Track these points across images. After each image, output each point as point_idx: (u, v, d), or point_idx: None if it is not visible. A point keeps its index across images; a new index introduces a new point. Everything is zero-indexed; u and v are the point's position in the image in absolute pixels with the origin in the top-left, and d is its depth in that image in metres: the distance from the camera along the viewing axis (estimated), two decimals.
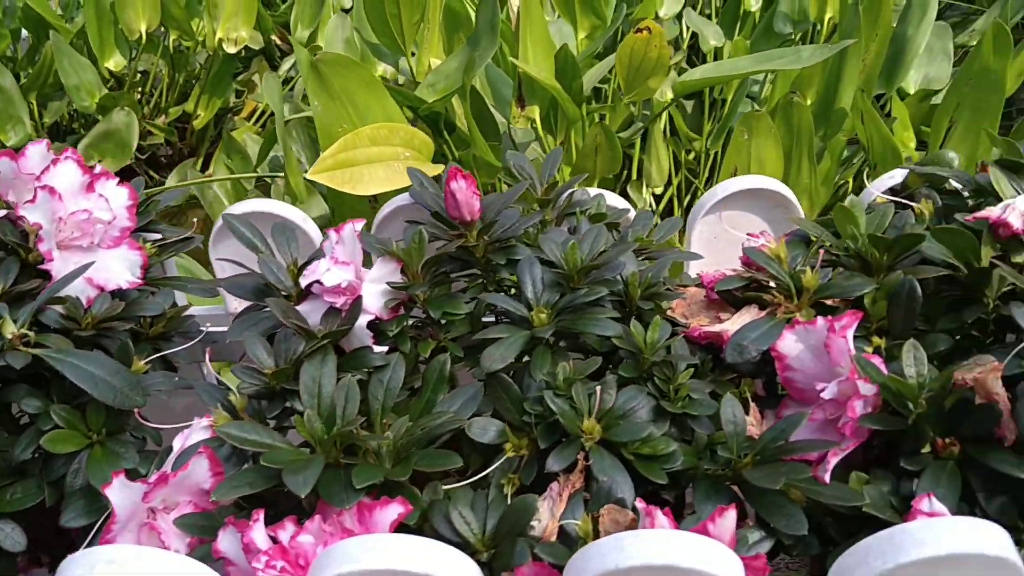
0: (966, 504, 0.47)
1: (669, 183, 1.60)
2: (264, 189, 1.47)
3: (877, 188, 0.65)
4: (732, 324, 0.53)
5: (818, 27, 1.53)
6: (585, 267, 0.54)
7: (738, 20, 1.76)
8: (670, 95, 1.27)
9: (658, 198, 1.68)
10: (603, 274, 0.54)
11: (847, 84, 1.17)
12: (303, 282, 0.54)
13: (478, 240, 0.57)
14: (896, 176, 0.65)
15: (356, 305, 0.53)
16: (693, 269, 0.70)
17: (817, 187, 1.18)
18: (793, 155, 1.16)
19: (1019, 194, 0.54)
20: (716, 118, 1.61)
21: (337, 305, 0.54)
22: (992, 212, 0.52)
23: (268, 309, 0.55)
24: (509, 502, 0.47)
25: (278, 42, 2.50)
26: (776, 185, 0.66)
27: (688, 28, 1.74)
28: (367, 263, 0.57)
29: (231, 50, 1.94)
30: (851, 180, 1.40)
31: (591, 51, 1.36)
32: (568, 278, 0.54)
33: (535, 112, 1.25)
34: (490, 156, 1.21)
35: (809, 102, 1.25)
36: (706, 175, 1.57)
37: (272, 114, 2.05)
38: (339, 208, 1.21)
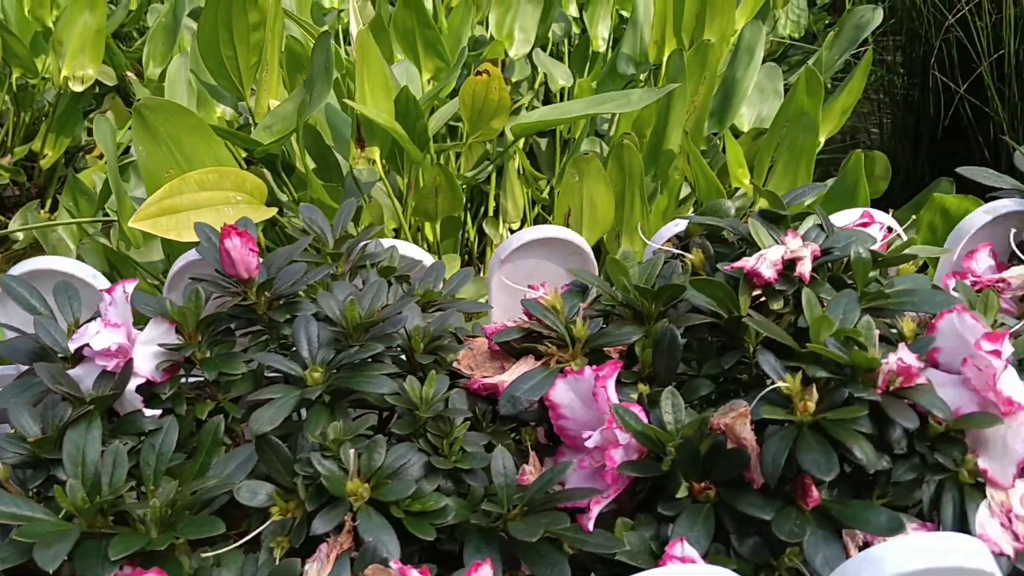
0: (722, 545, 0.49)
1: (525, 218, 1.63)
2: (108, 232, 1.43)
3: (661, 237, 0.67)
4: (509, 375, 0.54)
5: (659, 68, 1.58)
6: (364, 323, 0.54)
7: (587, 60, 1.81)
8: (515, 126, 1.29)
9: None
10: (384, 329, 0.55)
11: (674, 127, 1.21)
12: (72, 346, 0.53)
13: (259, 297, 0.57)
14: (680, 224, 0.67)
15: (127, 368, 0.52)
16: (504, 315, 0.71)
17: (649, 226, 1.21)
18: (626, 195, 1.20)
19: (777, 244, 0.57)
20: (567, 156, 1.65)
21: (109, 368, 0.53)
22: (747, 263, 0.55)
23: None
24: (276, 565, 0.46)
25: (133, 77, 2.44)
26: (568, 235, 0.68)
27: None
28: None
29: (78, 88, 1.89)
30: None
31: (435, 92, 1.37)
32: (347, 335, 0.54)
33: (375, 153, 1.25)
34: (326, 198, 1.20)
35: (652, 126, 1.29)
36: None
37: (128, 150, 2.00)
38: (175, 254, 1.18)
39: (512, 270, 0.68)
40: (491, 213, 1.67)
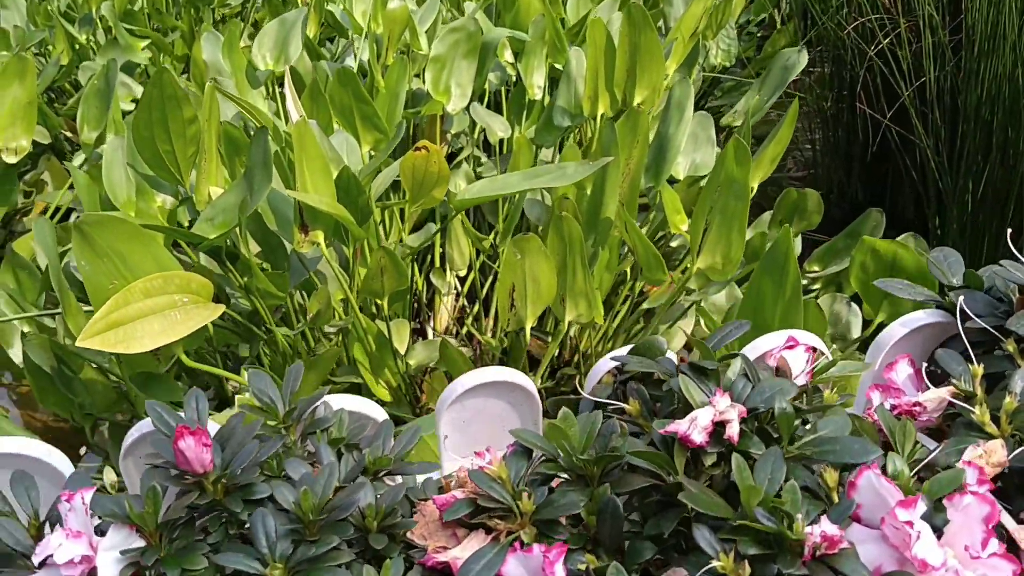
0: None
1: (471, 266, 1.65)
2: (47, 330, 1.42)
3: (598, 372, 0.70)
4: (461, 550, 0.57)
5: (594, 121, 1.61)
6: (319, 508, 0.57)
7: (524, 108, 1.83)
8: (455, 201, 1.31)
9: (463, 279, 1.73)
10: (339, 515, 0.57)
11: (610, 195, 1.25)
12: (35, 559, 0.55)
13: (215, 487, 0.59)
14: (613, 362, 0.70)
15: None
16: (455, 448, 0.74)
17: (592, 291, 1.24)
18: (567, 262, 1.23)
19: (707, 396, 0.61)
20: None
21: None
22: (680, 427, 0.58)
23: None
24: None
25: (68, 134, 2.42)
26: (510, 376, 0.71)
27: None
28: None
29: (11, 160, 1.87)
30: (628, 270, 1.48)
31: (375, 167, 1.38)
32: (304, 524, 0.56)
33: (319, 236, 1.26)
34: (271, 287, 1.22)
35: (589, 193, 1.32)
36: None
37: (70, 211, 1.98)
38: (126, 358, 1.19)
39: (460, 409, 0.71)
40: (437, 263, 1.70)
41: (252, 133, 1.42)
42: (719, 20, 2.13)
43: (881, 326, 1.15)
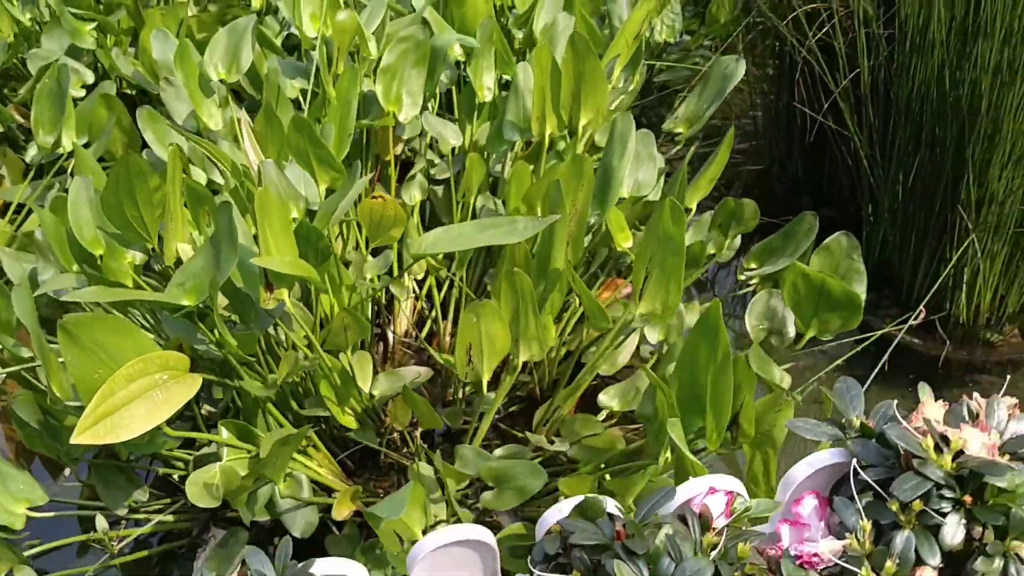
0: None
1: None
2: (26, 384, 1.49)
3: (546, 522, 0.80)
4: None
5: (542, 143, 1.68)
6: None
7: (475, 109, 1.88)
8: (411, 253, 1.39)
9: (420, 281, 1.82)
10: None
11: (558, 249, 1.33)
12: None
13: None
14: (562, 511, 0.81)
15: None
16: None
17: (542, 334, 1.35)
18: (520, 311, 1.32)
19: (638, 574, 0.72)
20: None
21: None
22: None
23: None
24: None
25: (21, 121, 2.42)
26: (479, 534, 0.81)
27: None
28: None
29: None
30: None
31: (333, 208, 1.45)
32: None
33: (283, 293, 1.34)
34: (239, 351, 1.30)
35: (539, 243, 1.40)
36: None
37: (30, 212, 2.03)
38: None
39: (430, 560, 0.81)
40: (396, 272, 1.77)
41: (216, 183, 1.48)
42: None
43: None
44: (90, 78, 2.30)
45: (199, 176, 1.74)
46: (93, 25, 2.34)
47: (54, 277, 1.52)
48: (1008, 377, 1.38)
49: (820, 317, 1.49)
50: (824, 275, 1.45)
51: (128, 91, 2.43)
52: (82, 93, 2.29)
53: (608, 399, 1.50)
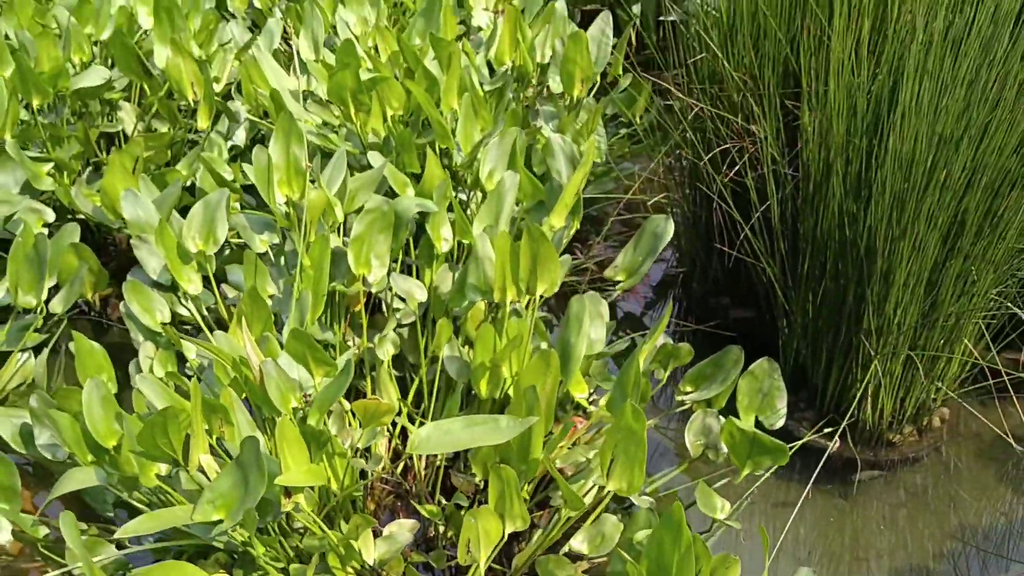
0: None
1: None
2: None
3: None
4: None
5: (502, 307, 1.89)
6: None
7: (433, 259, 2.08)
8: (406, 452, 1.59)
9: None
10: None
11: (536, 442, 1.56)
12: None
13: None
14: None
15: None
16: None
17: (524, 512, 1.57)
18: (505, 496, 1.54)
19: None
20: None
21: None
22: None
23: None
24: None
25: None
26: None
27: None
28: None
29: None
30: None
31: (333, 396, 1.63)
32: None
33: (300, 497, 1.53)
34: (272, 571, 1.49)
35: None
36: None
37: None
38: None
39: None
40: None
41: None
42: (590, 127, 2.39)
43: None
44: (51, 216, 2.40)
45: (188, 349, 1.90)
46: (50, 166, 2.43)
47: (76, 471, 1.66)
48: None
49: (753, 459, 1.76)
50: (754, 432, 1.72)
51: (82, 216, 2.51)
52: (44, 231, 2.39)
53: (579, 544, 1.73)
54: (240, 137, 2.70)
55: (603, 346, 1.87)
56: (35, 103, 2.48)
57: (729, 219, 2.23)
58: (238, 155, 2.71)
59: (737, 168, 2.18)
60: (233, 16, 3.19)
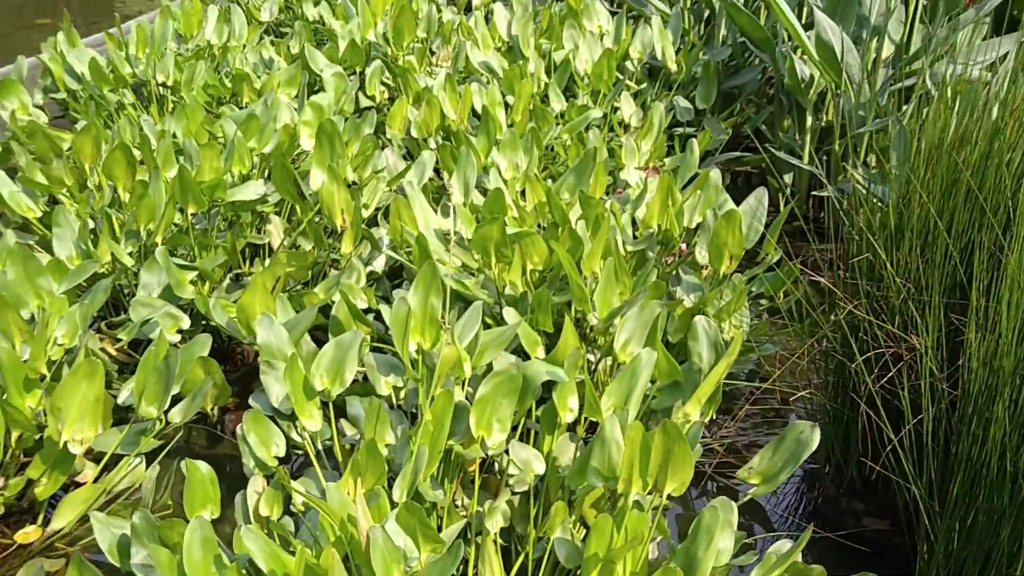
0: None
1: None
2: None
3: None
4: None
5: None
6: None
7: (555, 428, 1.99)
8: None
9: None
10: None
11: None
12: None
13: None
14: None
15: None
16: None
17: None
18: None
19: None
20: None
21: None
22: None
23: None
24: None
25: (114, 354, 2.54)
26: None
27: None
28: None
29: (77, 450, 2.01)
30: None
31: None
32: None
33: None
34: None
35: None
36: None
37: None
38: None
39: None
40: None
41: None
42: (734, 306, 2.30)
43: None
44: (186, 323, 2.44)
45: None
46: (195, 274, 2.48)
47: None
48: None
49: None
50: None
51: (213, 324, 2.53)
52: (176, 337, 2.43)
53: None
54: (379, 264, 2.72)
55: (729, 557, 1.74)
56: (190, 210, 2.56)
57: (874, 425, 2.09)
58: (376, 281, 2.73)
59: (890, 375, 2.04)
60: (390, 142, 3.27)
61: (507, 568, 1.89)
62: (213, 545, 1.63)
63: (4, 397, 1.99)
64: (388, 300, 2.59)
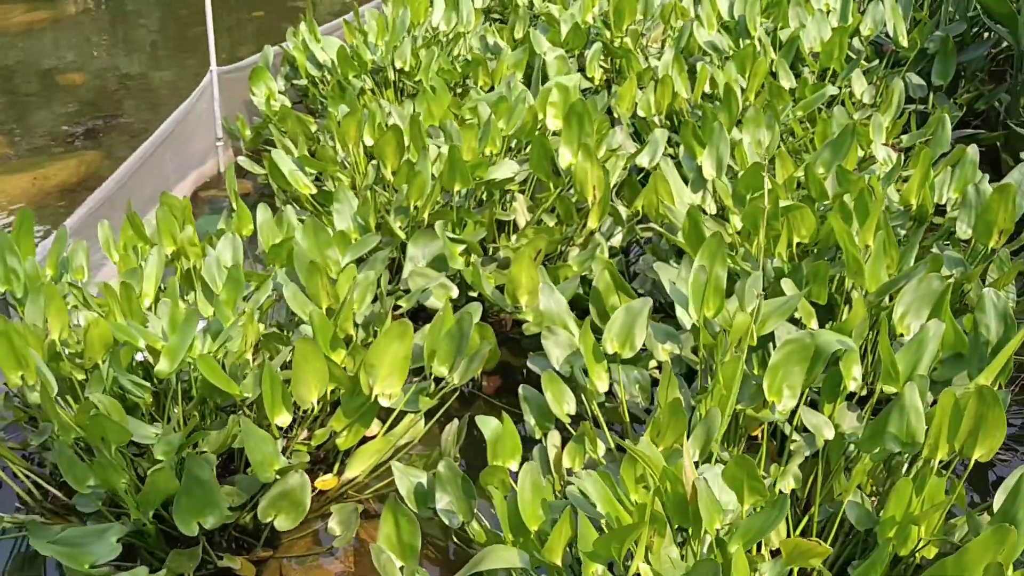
0: None
1: None
2: None
3: None
4: None
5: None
6: None
7: (839, 394, 2.04)
8: None
9: None
10: None
11: None
12: None
13: None
14: None
15: None
16: None
17: None
18: None
19: None
20: None
21: None
22: None
23: None
24: None
25: None
26: None
27: None
28: None
29: (386, 403, 2.17)
30: None
31: (760, 527, 1.63)
32: None
33: None
34: None
35: None
36: None
37: None
38: None
39: None
40: None
41: None
42: (1001, 284, 2.28)
43: None
44: (455, 293, 2.60)
45: None
46: (462, 247, 2.64)
47: (500, 549, 1.75)
48: None
49: None
50: None
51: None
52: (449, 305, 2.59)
53: None
54: (617, 239, 2.82)
55: None
56: (455, 188, 2.72)
57: None
58: (615, 254, 2.83)
59: None
60: (619, 121, 3.36)
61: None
62: (541, 490, 1.76)
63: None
64: (623, 273, 2.69)
